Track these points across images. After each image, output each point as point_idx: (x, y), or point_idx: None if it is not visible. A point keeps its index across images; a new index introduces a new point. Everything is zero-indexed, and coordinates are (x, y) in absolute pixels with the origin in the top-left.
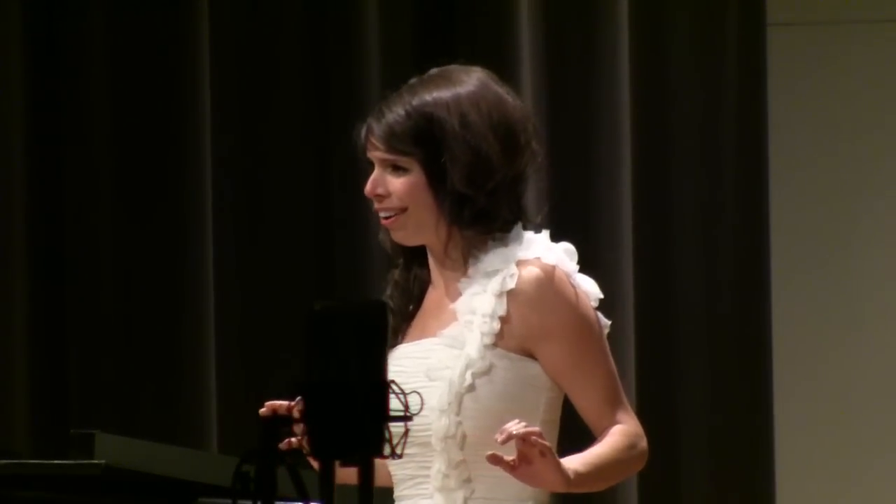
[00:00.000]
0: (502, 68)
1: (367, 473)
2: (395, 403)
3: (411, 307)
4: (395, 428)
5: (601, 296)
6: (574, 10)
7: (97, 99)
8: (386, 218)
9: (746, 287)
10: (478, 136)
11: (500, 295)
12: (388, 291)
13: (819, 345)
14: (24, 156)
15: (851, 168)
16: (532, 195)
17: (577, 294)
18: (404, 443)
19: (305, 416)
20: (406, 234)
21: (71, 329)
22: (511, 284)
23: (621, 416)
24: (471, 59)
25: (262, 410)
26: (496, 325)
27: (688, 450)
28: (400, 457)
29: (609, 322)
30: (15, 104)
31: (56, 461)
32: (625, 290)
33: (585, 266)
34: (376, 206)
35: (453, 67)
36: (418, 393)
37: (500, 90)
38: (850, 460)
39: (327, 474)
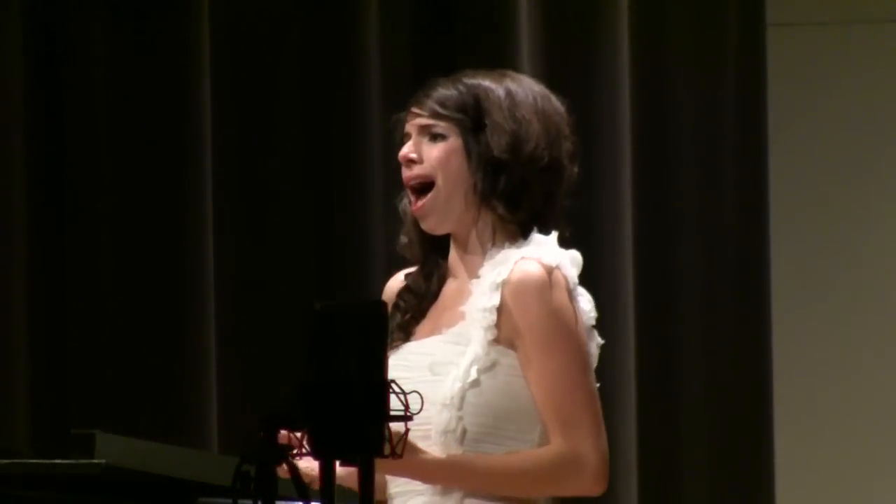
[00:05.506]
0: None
1: (367, 473)
2: (395, 403)
3: (424, 303)
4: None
5: (594, 315)
6: (574, 11)
7: (98, 102)
8: (416, 197)
9: (746, 286)
10: (522, 112)
11: (496, 287)
12: (400, 296)
13: (819, 344)
14: (24, 156)
15: (851, 168)
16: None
17: (561, 302)
18: (404, 443)
19: (305, 416)
20: (436, 219)
21: (72, 329)
22: (504, 275)
23: (565, 437)
24: (471, 64)
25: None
26: (493, 317)
27: (688, 450)
28: (400, 456)
29: (602, 341)
30: (15, 105)
31: (56, 461)
32: (625, 290)
33: (586, 267)
34: (405, 174)
35: (507, 70)
36: (418, 392)
37: (547, 90)
38: (851, 460)
39: (327, 474)
